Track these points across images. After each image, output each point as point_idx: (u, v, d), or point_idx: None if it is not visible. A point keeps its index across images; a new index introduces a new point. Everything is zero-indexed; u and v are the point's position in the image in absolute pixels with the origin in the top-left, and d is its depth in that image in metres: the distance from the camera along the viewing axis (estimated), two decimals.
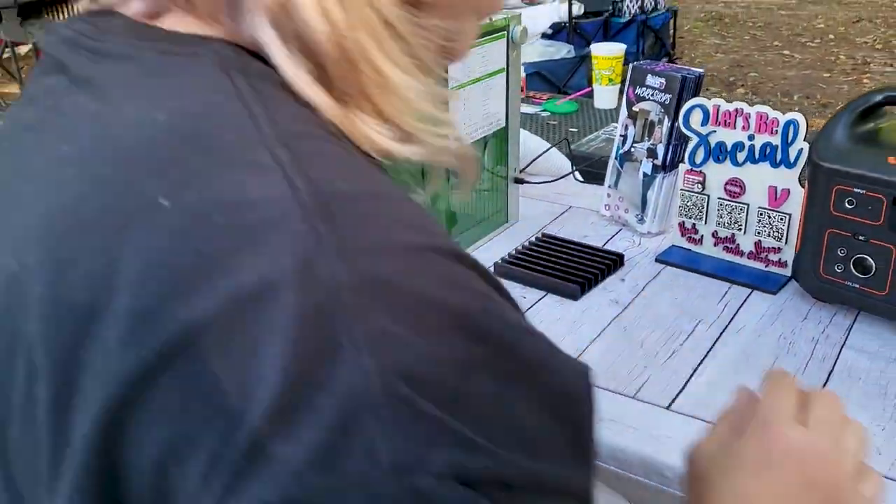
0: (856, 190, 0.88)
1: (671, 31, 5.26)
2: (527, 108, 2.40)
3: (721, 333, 0.93)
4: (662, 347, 0.91)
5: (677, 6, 5.35)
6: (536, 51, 4.03)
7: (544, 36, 4.62)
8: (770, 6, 7.57)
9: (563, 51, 3.90)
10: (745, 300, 1.00)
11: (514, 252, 1.11)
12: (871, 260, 0.89)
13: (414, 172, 0.59)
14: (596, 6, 4.81)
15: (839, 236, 0.91)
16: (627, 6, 4.88)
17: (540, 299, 1.02)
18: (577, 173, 1.37)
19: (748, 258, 1.06)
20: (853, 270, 0.91)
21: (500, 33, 1.09)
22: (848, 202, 0.89)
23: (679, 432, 0.77)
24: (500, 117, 1.14)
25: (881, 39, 6.19)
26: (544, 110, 2.39)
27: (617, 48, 2.32)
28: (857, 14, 7.01)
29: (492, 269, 1.07)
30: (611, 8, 4.85)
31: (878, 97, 0.91)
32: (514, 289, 1.03)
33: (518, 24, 1.11)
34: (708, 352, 0.90)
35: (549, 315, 0.98)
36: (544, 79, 3.80)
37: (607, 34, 4.88)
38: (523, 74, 2.67)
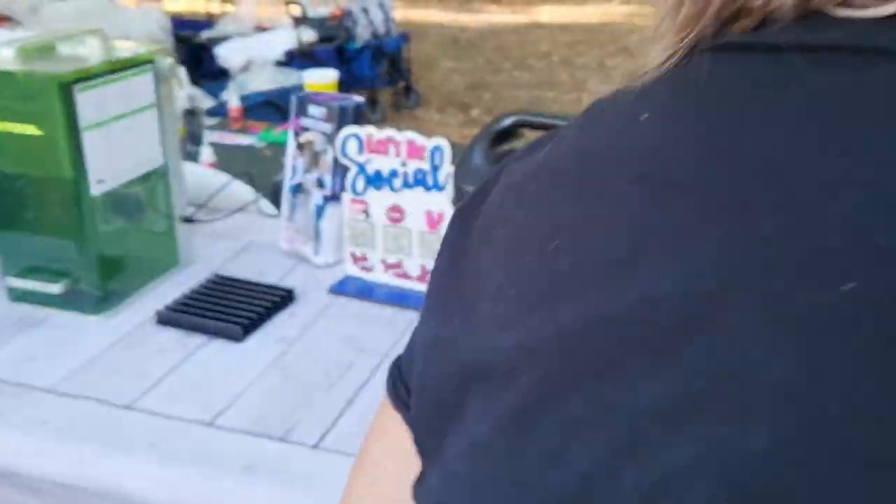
0: None
1: (406, 56, 5.42)
2: (243, 139, 2.34)
3: (380, 362, 0.93)
4: (322, 384, 0.89)
5: (409, 31, 5.52)
6: (267, 79, 3.98)
7: (279, 63, 4.58)
8: (501, 30, 8.06)
9: (292, 78, 3.87)
10: (412, 324, 1.01)
11: (179, 297, 1.04)
12: None
13: None
14: (329, 32, 4.84)
15: None
16: (360, 32, 4.96)
17: (202, 345, 0.97)
18: (271, 205, 1.34)
19: (417, 281, 1.08)
20: None
21: (143, 67, 1.03)
22: None
23: (326, 471, 0.75)
24: (156, 155, 1.08)
25: (596, 60, 6.79)
26: (260, 140, 2.34)
27: (330, 75, 2.32)
28: (576, 37, 7.65)
29: (154, 318, 1.01)
30: (344, 34, 4.91)
31: (508, 121, 0.96)
32: (176, 336, 0.98)
33: (165, 58, 1.05)
34: (364, 384, 0.89)
35: (212, 360, 0.94)
36: (276, 107, 3.75)
37: (342, 60, 4.93)
38: (239, 104, 2.61)
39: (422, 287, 1.08)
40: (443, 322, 0.41)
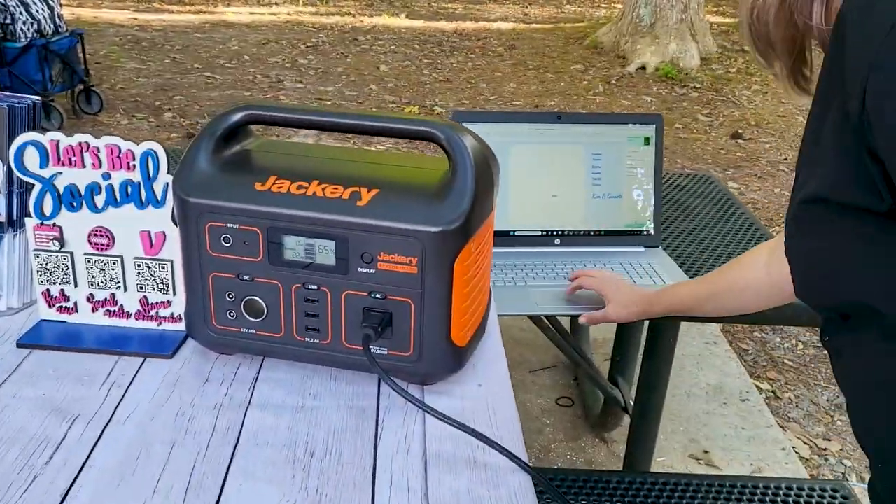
0: (229, 225, 0.76)
1: (81, 56, 4.86)
2: None
3: (102, 432, 0.73)
4: (20, 474, 0.67)
5: (83, 29, 4.96)
6: None
7: None
8: (186, 30, 7.60)
9: None
10: (136, 374, 0.81)
11: None
12: (261, 301, 0.78)
13: None
14: None
15: (224, 279, 0.78)
16: (21, 29, 4.35)
17: None
18: None
19: (137, 319, 0.88)
20: (246, 315, 0.79)
21: None
22: (224, 240, 0.76)
23: None
24: None
25: (289, 59, 6.64)
26: None
27: None
28: (266, 36, 7.43)
29: None
30: (0, 31, 4.27)
31: (238, 116, 0.80)
32: None
33: None
34: (82, 466, 0.69)
35: None
36: None
37: (2, 62, 4.29)
38: None
39: (145, 325, 0.88)
40: None
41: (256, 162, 0.79)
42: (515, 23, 8.63)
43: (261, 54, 6.77)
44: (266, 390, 0.79)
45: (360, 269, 0.73)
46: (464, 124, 1.58)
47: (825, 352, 1.04)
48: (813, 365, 2.74)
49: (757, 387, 2.57)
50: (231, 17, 8.30)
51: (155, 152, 0.81)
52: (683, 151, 4.79)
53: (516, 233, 1.55)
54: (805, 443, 2.32)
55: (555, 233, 1.56)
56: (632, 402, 2.00)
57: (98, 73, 5.87)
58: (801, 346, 2.84)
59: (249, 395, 0.78)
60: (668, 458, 2.17)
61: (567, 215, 1.56)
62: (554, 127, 1.56)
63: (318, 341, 0.78)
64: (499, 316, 0.98)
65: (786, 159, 4.72)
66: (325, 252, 0.74)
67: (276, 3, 9.24)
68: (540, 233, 1.56)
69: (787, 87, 0.80)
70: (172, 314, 0.86)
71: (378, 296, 0.74)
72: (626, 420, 2.08)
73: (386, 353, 0.77)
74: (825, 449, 2.30)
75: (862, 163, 0.58)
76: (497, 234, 1.54)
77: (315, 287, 0.75)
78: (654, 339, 1.75)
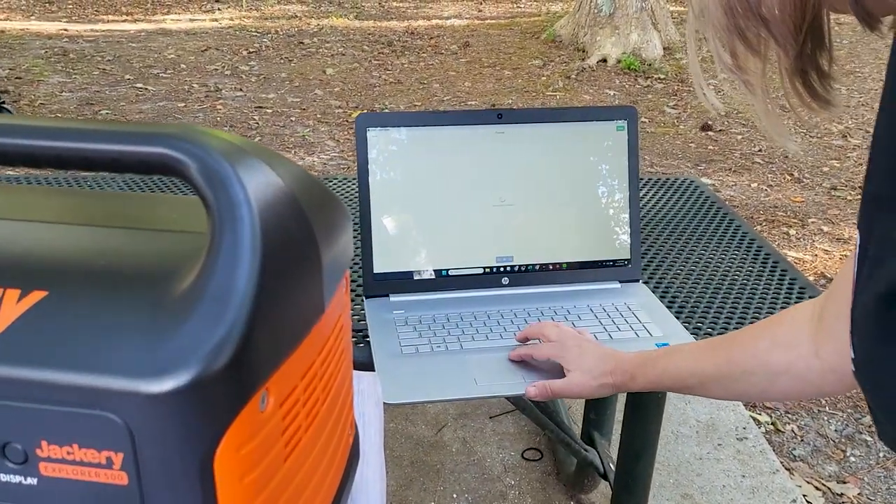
0: None
1: None
2: None
3: None
4: None
5: None
6: None
7: None
8: (120, 39, 7.13)
9: None
10: None
11: None
12: None
13: None
14: None
15: None
16: None
17: None
18: None
19: None
20: None
21: None
22: None
23: None
24: None
25: (229, 66, 6.20)
26: None
27: None
28: (206, 43, 6.99)
29: None
30: None
31: None
32: None
33: None
34: None
35: None
36: None
37: None
38: None
39: None
40: None
41: None
42: (469, 20, 8.26)
43: (199, 62, 6.33)
44: None
45: (4, 478, 0.33)
46: (373, 130, 1.20)
47: None
48: None
49: (754, 419, 2.21)
50: (170, 25, 7.84)
51: None
52: (652, 147, 4.44)
53: (449, 272, 1.16)
54: (817, 487, 1.96)
55: (502, 269, 1.18)
56: (612, 467, 1.62)
57: (17, 89, 5.41)
58: None
59: None
60: None
61: (517, 246, 1.18)
62: (496, 129, 1.17)
63: None
64: (420, 404, 0.59)
65: (760, 150, 4.39)
66: None
67: (218, 9, 8.78)
68: (482, 270, 1.17)
69: (790, 93, 0.44)
70: None
71: None
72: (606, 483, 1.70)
73: None
74: (841, 494, 1.94)
75: None
76: (420, 280, 1.15)
77: None
78: (638, 394, 1.37)
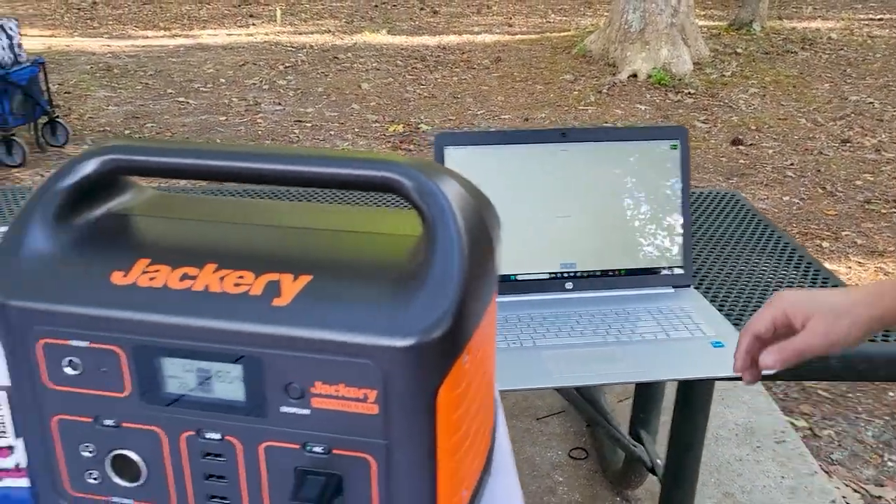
0: (74, 343, 0.47)
1: (43, 87, 4.58)
2: None
3: None
4: None
5: (43, 58, 4.68)
6: None
7: None
8: (160, 54, 7.34)
9: None
10: None
11: None
12: (135, 458, 0.50)
13: None
14: None
15: (75, 425, 0.50)
16: None
17: None
18: None
19: None
20: (114, 478, 0.51)
21: None
22: (69, 365, 0.48)
23: None
24: None
25: (267, 80, 6.37)
26: None
27: None
28: (243, 58, 7.17)
29: None
30: None
31: (92, 165, 0.51)
32: None
33: None
34: None
35: None
36: None
37: None
38: None
39: None
40: None
41: (121, 236, 0.51)
42: (500, 35, 8.39)
43: (237, 76, 6.50)
44: None
45: (285, 409, 0.45)
46: (450, 149, 1.31)
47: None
48: (850, 395, 2.46)
49: (792, 424, 2.28)
50: (207, 40, 8.04)
51: None
52: None
53: (518, 277, 1.27)
54: (855, 490, 2.04)
55: (565, 275, 1.28)
56: (660, 462, 1.71)
57: (67, 103, 5.60)
58: None
59: None
60: None
61: (579, 253, 1.28)
62: (560, 146, 1.28)
63: None
64: (502, 392, 0.69)
65: (792, 164, 4.46)
66: (228, 382, 0.45)
67: (253, 24, 8.98)
68: (547, 276, 1.28)
69: None
70: (18, 465, 0.58)
71: (318, 450, 0.46)
72: (652, 475, 1.79)
73: None
74: (879, 497, 2.02)
75: None
76: None
77: (217, 436, 0.47)
78: (688, 384, 1.47)
